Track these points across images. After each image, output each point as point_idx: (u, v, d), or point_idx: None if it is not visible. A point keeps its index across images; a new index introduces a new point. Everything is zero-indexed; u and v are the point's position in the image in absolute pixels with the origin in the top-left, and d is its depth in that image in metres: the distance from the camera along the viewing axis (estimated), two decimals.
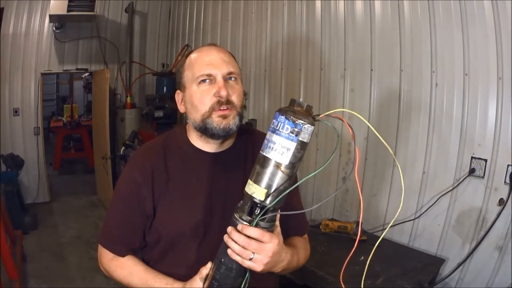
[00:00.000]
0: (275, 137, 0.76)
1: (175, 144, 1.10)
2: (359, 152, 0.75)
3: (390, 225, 0.91)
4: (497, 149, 1.89)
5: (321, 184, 2.81)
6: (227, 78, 1.00)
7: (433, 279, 2.00)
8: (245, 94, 3.48)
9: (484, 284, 1.92)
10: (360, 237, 0.87)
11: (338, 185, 2.70)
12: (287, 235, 1.03)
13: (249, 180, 0.80)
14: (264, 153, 0.78)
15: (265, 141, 0.79)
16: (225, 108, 0.98)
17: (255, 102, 3.48)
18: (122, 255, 1.07)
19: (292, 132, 0.74)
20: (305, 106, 0.76)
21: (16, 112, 4.43)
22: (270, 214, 0.81)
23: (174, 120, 4.20)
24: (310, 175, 0.84)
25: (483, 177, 1.93)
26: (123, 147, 3.53)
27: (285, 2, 3.09)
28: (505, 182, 1.86)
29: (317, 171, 0.84)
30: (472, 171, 1.97)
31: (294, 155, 0.76)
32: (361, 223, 0.81)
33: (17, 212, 3.76)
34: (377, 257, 1.95)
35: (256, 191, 0.78)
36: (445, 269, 2.07)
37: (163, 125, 4.12)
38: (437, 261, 2.05)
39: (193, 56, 1.05)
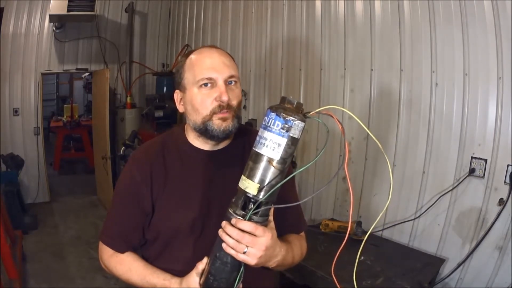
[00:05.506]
0: (266, 134, 0.78)
1: (174, 144, 1.11)
2: (348, 148, 0.77)
3: (376, 221, 0.93)
4: (497, 149, 1.89)
5: (321, 183, 2.81)
6: (227, 82, 1.01)
7: (433, 279, 2.00)
8: (244, 94, 3.49)
9: (484, 284, 1.92)
10: (350, 231, 0.88)
11: (338, 185, 2.70)
12: (284, 233, 1.04)
13: (242, 176, 0.82)
14: (256, 149, 0.80)
15: (257, 138, 0.81)
16: (225, 111, 0.99)
17: (255, 102, 3.48)
18: (122, 251, 1.09)
19: (282, 128, 0.77)
20: (295, 103, 0.79)
21: (16, 112, 4.44)
22: (263, 208, 0.83)
23: (174, 120, 4.20)
24: (300, 170, 0.85)
25: (483, 177, 1.93)
26: (123, 147, 3.53)
27: (285, 2, 3.09)
28: (505, 182, 1.86)
29: (306, 166, 0.86)
30: (472, 171, 1.97)
31: (285, 150, 0.78)
32: (351, 217, 0.82)
33: (17, 212, 3.76)
34: (377, 257, 1.97)
35: (249, 186, 0.80)
36: (445, 269, 2.07)
37: (163, 125, 4.12)
38: (437, 261, 2.05)
39: (193, 57, 1.04)
